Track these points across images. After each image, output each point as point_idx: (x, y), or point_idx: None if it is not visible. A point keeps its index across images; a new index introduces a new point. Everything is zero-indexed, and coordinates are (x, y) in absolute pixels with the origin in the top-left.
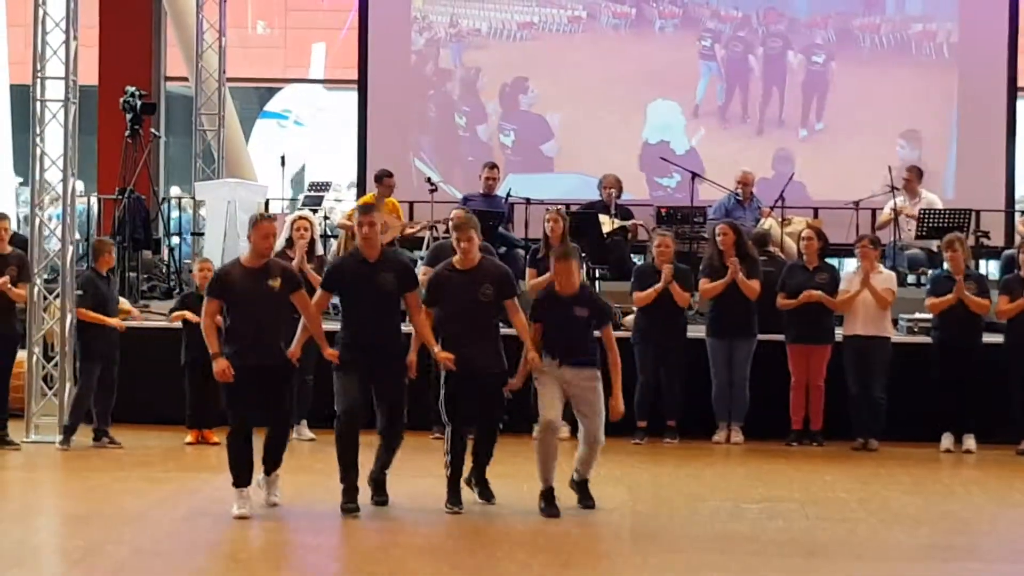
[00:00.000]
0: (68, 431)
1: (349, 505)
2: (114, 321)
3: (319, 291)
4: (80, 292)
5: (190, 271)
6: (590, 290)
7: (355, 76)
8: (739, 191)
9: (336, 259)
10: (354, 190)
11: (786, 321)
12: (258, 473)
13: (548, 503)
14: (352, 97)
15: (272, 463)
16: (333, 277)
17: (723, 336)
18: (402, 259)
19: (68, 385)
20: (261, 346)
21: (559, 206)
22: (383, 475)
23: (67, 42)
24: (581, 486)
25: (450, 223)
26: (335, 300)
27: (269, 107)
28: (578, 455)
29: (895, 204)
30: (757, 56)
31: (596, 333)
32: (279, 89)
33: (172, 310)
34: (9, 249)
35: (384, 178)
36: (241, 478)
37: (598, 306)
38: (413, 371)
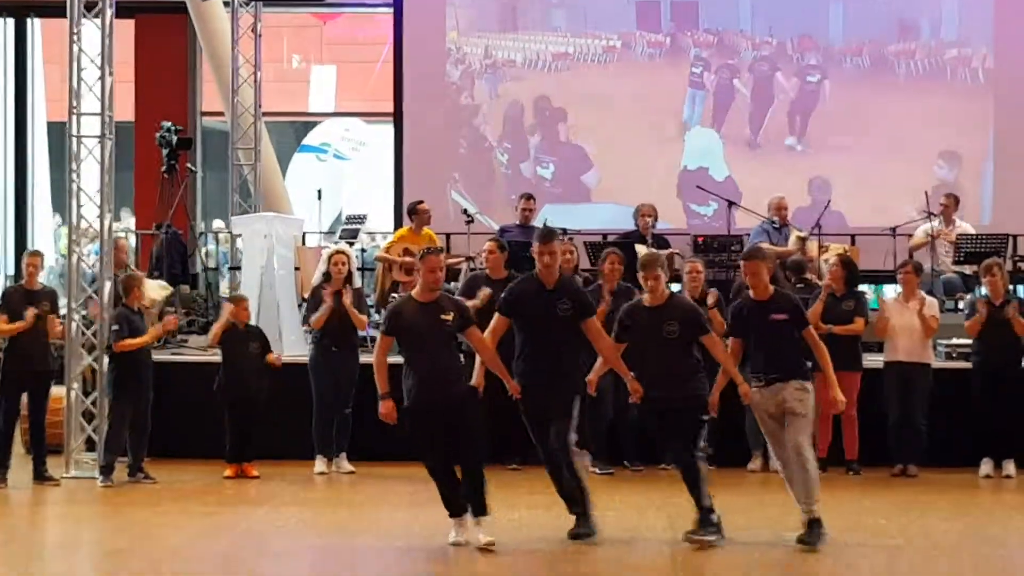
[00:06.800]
0: (106, 469)
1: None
2: (150, 335)
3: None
4: (116, 327)
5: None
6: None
7: (391, 109)
8: (775, 217)
9: (513, 285)
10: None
11: None
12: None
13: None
14: (390, 130)
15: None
16: (510, 302)
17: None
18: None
19: (107, 421)
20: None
21: (610, 249)
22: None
23: (102, 78)
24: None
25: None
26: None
27: (307, 141)
28: None
29: (931, 228)
30: (791, 83)
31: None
32: (316, 123)
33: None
34: (40, 285)
35: (417, 206)
36: (452, 509)
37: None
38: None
